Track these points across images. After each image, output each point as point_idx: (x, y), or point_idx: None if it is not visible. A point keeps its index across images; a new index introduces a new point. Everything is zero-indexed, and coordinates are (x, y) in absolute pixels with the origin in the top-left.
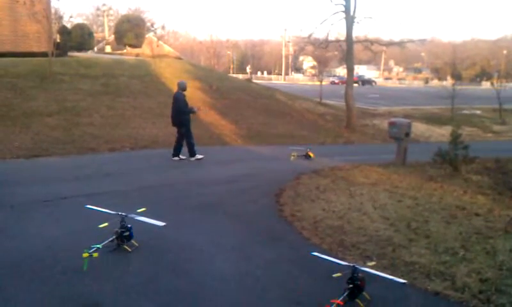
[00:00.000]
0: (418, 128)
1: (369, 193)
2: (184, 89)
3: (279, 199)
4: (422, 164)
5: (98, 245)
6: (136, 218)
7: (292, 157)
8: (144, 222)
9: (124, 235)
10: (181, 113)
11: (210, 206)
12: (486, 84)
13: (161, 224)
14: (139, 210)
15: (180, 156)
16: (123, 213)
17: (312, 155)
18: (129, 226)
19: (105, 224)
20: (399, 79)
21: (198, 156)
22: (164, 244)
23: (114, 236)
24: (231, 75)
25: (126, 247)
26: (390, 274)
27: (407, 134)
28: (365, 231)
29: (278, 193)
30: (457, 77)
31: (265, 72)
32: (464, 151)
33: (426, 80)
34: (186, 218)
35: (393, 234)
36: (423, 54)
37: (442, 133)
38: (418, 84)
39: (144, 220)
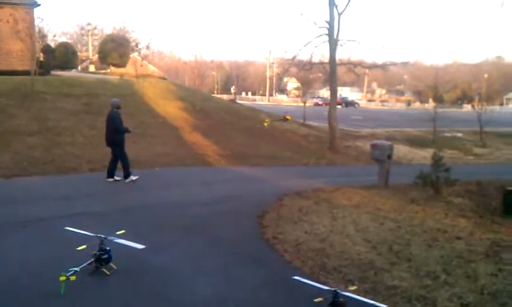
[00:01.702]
0: (401, 150)
1: (351, 215)
2: (118, 108)
3: (261, 221)
4: (404, 186)
5: (76, 268)
6: (115, 240)
7: (265, 123)
8: (124, 245)
9: (102, 257)
10: (116, 132)
11: (191, 229)
12: (467, 107)
13: (140, 247)
14: (118, 232)
15: (115, 177)
16: (102, 236)
17: (289, 117)
18: (108, 248)
19: (84, 246)
20: (382, 101)
21: (133, 177)
22: (143, 267)
23: (92, 259)
24: (215, 95)
25: (104, 270)
26: (371, 299)
27: (389, 156)
28: (347, 254)
29: (261, 215)
30: (438, 99)
31: (249, 93)
32: (445, 174)
33: (408, 103)
34: (166, 240)
35: (375, 257)
36: (405, 76)
37: (424, 155)
38: (400, 106)
39: (124, 242)
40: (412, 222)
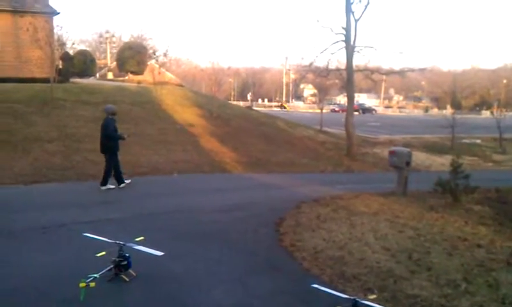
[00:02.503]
0: (419, 157)
1: (370, 223)
2: (113, 114)
3: (279, 228)
4: (422, 193)
5: (95, 275)
6: (134, 247)
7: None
8: (143, 251)
9: (122, 264)
10: (109, 139)
11: (209, 235)
12: (485, 113)
13: (159, 253)
14: (137, 239)
15: (109, 185)
16: (121, 242)
17: (286, 106)
18: (127, 255)
19: (103, 252)
20: (399, 108)
21: (110, 186)
22: (162, 274)
23: (111, 266)
24: (232, 102)
25: (123, 276)
26: None
27: (407, 163)
28: (366, 262)
29: (278, 222)
30: (457, 105)
31: (266, 100)
32: (464, 181)
33: (426, 109)
34: (185, 247)
35: (394, 265)
36: (423, 82)
37: (442, 162)
38: (418, 112)
39: (143, 249)
40: (432, 230)
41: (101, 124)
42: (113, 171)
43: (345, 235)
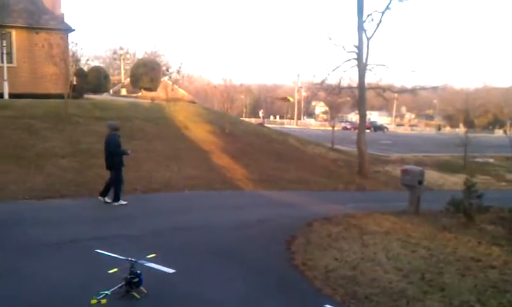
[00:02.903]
0: (431, 176)
1: (382, 242)
2: (116, 129)
3: (290, 247)
4: (435, 212)
5: (106, 292)
6: (145, 264)
7: None
8: (154, 269)
9: (133, 281)
10: (113, 155)
11: (220, 253)
12: (498, 132)
13: (170, 271)
14: (149, 256)
15: (106, 199)
16: (133, 259)
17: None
18: (138, 272)
19: (115, 269)
20: (411, 126)
21: (122, 202)
22: (174, 292)
23: (123, 283)
24: (243, 119)
25: (135, 293)
26: None
27: (420, 182)
28: (378, 282)
29: (290, 240)
30: (469, 124)
31: (277, 117)
32: (478, 201)
33: (438, 127)
34: (196, 265)
35: (407, 286)
36: (435, 101)
37: (455, 181)
38: (430, 130)
39: (154, 266)
40: (444, 250)
41: (104, 140)
42: (109, 183)
43: (357, 254)
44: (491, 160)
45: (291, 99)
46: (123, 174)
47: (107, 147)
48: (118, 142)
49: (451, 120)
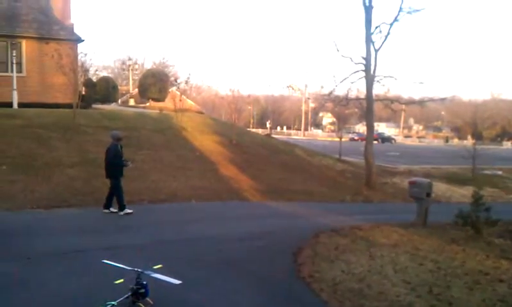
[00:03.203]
0: (439, 188)
1: (390, 255)
2: (118, 140)
3: (297, 259)
4: (443, 225)
5: (113, 302)
6: (151, 275)
7: None
8: (160, 279)
9: (139, 292)
10: (113, 164)
11: (226, 264)
12: (507, 144)
13: (177, 282)
14: (155, 267)
15: (111, 209)
16: (139, 270)
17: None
18: (145, 282)
19: (121, 280)
20: (419, 137)
21: (128, 210)
22: (180, 303)
23: (129, 293)
24: (251, 129)
25: (141, 304)
26: None
27: (428, 194)
28: (386, 295)
29: (297, 252)
30: (477, 136)
31: (284, 127)
32: (486, 213)
33: (446, 139)
34: (202, 276)
35: (414, 300)
36: (443, 112)
37: (463, 193)
38: (438, 142)
39: (160, 277)
40: (452, 263)
41: (106, 149)
42: (110, 193)
43: (364, 266)
44: (500, 173)
45: (296, 88)
46: (122, 184)
47: (107, 156)
48: (120, 152)
49: (459, 132)
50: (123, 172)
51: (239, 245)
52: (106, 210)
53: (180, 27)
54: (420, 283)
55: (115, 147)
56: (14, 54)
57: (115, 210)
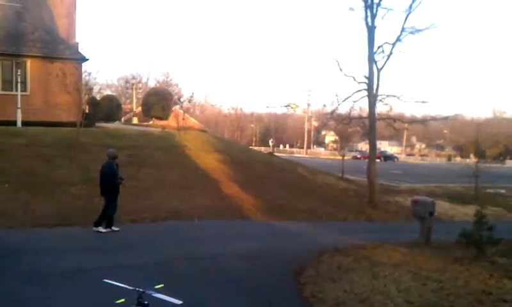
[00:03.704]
0: (442, 207)
1: (393, 274)
2: (113, 157)
3: (299, 278)
4: (446, 244)
5: None
6: (153, 294)
7: None
8: (162, 299)
9: None
10: (108, 182)
11: (228, 284)
12: (510, 163)
13: (178, 302)
14: (157, 286)
15: (113, 228)
16: (141, 289)
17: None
18: (146, 302)
19: (123, 300)
20: (422, 156)
21: (114, 228)
22: None
23: None
24: (253, 147)
25: None
26: None
27: (431, 213)
28: None
29: (299, 271)
30: (480, 154)
31: (287, 145)
32: (489, 232)
33: (449, 158)
34: (204, 296)
35: None
36: (446, 131)
37: (466, 212)
38: (440, 161)
39: (162, 297)
40: (456, 283)
41: (101, 167)
42: (105, 212)
43: (367, 286)
44: (503, 191)
45: (293, 106)
46: (118, 202)
47: (102, 174)
48: (115, 170)
49: (462, 150)
50: (119, 190)
51: (241, 264)
52: (108, 229)
53: (184, 45)
54: (423, 303)
55: (110, 165)
56: (19, 73)
57: (116, 229)
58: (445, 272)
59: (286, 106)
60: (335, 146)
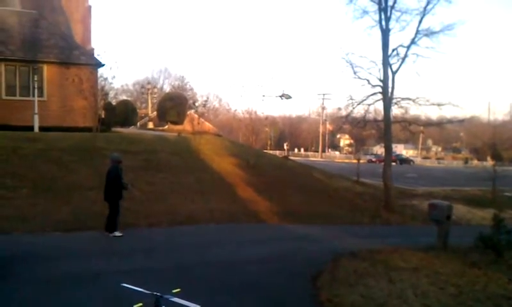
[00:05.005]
0: (459, 211)
1: (410, 279)
2: (118, 162)
3: (315, 283)
4: (463, 248)
5: None
6: (170, 299)
7: None
8: (179, 304)
9: None
10: (112, 186)
11: (245, 288)
12: None
13: (195, 306)
14: (174, 291)
15: (116, 233)
16: (158, 294)
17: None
18: None
19: (140, 304)
20: (438, 159)
21: (117, 233)
22: None
23: None
24: (268, 151)
25: None
26: None
27: (448, 217)
28: None
29: (315, 276)
30: (497, 157)
31: (302, 149)
32: (507, 236)
33: (466, 161)
34: (221, 300)
35: None
36: (462, 133)
37: (484, 216)
38: (457, 164)
39: (180, 301)
40: (474, 287)
41: (106, 171)
42: (111, 217)
43: (384, 291)
44: None
45: (287, 97)
46: (120, 207)
47: (108, 178)
48: (119, 174)
49: (478, 153)
50: (122, 194)
51: (257, 269)
52: (107, 233)
53: (200, 49)
54: None
55: (115, 169)
56: (35, 79)
57: (120, 234)
58: (463, 276)
59: (281, 96)
60: (350, 149)
